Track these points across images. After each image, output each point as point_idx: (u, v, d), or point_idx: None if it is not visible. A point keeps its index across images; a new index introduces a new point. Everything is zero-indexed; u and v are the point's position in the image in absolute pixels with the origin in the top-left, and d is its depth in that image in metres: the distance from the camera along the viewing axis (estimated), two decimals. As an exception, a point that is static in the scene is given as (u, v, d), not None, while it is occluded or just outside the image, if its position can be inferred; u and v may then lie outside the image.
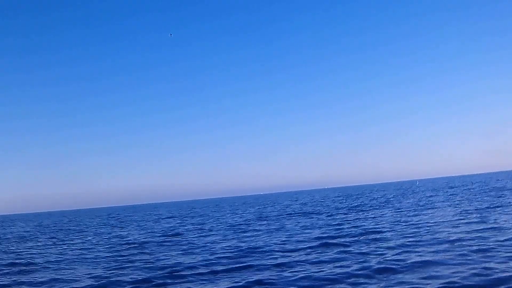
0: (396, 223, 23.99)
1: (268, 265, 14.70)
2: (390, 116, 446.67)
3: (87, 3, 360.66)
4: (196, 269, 15.10)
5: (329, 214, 36.45)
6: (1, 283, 15.24)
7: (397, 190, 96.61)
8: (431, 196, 52.03)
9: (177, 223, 42.44)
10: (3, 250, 26.42)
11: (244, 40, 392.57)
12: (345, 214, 34.82)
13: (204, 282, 13.04)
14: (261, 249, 18.24)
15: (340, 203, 55.79)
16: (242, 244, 20.37)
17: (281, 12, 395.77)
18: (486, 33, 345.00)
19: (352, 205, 48.33)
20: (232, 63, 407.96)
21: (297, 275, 12.79)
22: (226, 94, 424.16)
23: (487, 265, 11.95)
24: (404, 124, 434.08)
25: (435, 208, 32.61)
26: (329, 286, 11.35)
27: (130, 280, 13.97)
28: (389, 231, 20.92)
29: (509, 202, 31.16)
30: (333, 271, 12.96)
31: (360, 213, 33.99)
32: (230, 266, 15.04)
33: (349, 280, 11.72)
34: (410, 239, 17.52)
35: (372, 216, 30.45)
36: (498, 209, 26.82)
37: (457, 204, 33.94)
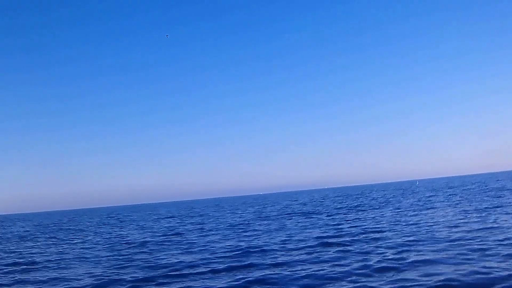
0: (395, 223, 24.03)
1: (268, 264, 14.75)
2: (389, 116, 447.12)
3: (85, 3, 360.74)
4: (196, 268, 15.14)
5: (329, 214, 36.50)
6: (3, 282, 15.28)
7: (396, 190, 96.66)
8: (431, 196, 52.08)
9: (177, 222, 42.48)
10: (4, 250, 26.45)
11: (243, 39, 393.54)
12: (345, 214, 34.86)
13: (205, 281, 13.06)
14: (261, 249, 18.27)
15: (339, 203, 55.83)
16: (243, 244, 20.41)
17: (280, 12, 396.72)
18: (486, 33, 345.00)
19: (352, 205, 48.38)
20: (231, 62, 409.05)
21: (298, 274, 12.83)
22: (225, 94, 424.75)
23: (486, 264, 12.01)
24: (403, 124, 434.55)
25: (435, 208, 32.65)
26: (330, 285, 11.39)
27: (131, 279, 14.01)
28: (389, 230, 20.97)
29: (508, 202, 31.20)
30: (334, 270, 13.00)
31: (360, 213, 34.03)
32: (231, 265, 15.07)
33: (349, 279, 11.77)
34: (410, 239, 17.57)
35: (372, 216, 30.49)
36: (497, 209, 26.86)
37: (457, 204, 33.99)
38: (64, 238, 33.35)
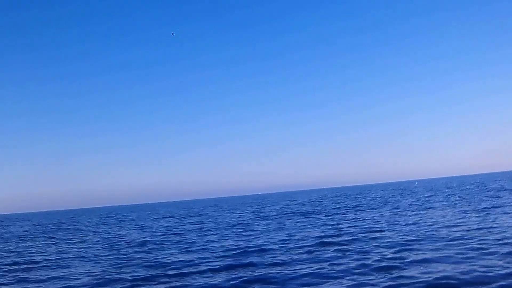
0: (394, 223, 24.09)
1: (268, 263, 14.79)
2: (388, 116, 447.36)
3: (86, 1, 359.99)
4: (196, 267, 15.18)
5: (327, 214, 36.55)
6: (4, 281, 15.32)
7: (395, 190, 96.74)
8: (430, 196, 52.17)
9: (176, 222, 42.50)
10: (4, 250, 26.46)
11: (242, 39, 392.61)
12: (343, 214, 34.91)
13: (204, 279, 13.11)
14: (260, 248, 18.32)
15: (338, 203, 55.89)
16: (242, 243, 20.45)
17: (280, 11, 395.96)
18: (485, 32, 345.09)
19: (351, 205, 48.43)
20: (229, 62, 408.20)
21: (297, 273, 12.88)
22: (224, 93, 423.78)
23: (485, 262, 12.09)
24: (402, 124, 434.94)
25: (434, 208, 32.73)
26: (330, 284, 11.45)
27: (130, 278, 14.05)
28: (388, 230, 21.03)
29: (506, 202, 31.28)
30: (333, 269, 13.06)
31: (359, 213, 34.09)
32: (230, 264, 15.13)
33: (349, 278, 11.82)
34: (409, 238, 17.64)
35: (371, 216, 30.55)
36: (496, 209, 26.96)
37: (455, 204, 34.08)
38: (63, 237, 33.36)
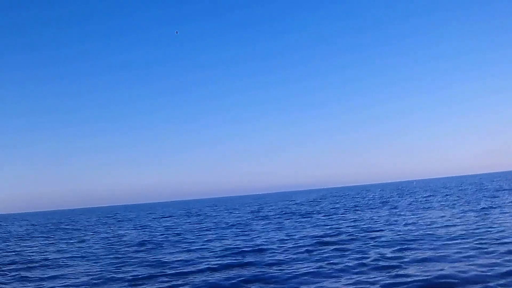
0: (393, 222, 24.15)
1: (266, 262, 14.83)
2: (387, 117, 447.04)
3: (87, 1, 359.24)
4: (195, 266, 15.21)
5: (326, 214, 36.58)
6: (3, 280, 15.36)
7: (394, 190, 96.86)
8: (428, 196, 52.25)
9: (175, 222, 42.52)
10: (3, 249, 26.47)
11: (242, 39, 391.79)
12: (342, 214, 34.95)
13: (203, 278, 13.14)
14: (259, 248, 18.36)
15: (337, 203, 55.94)
16: (241, 243, 20.49)
17: (280, 12, 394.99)
18: (485, 32, 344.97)
19: (350, 205, 48.48)
20: (228, 62, 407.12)
21: (296, 272, 12.92)
22: (223, 93, 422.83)
23: (484, 261, 12.14)
24: (400, 125, 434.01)
25: (432, 208, 32.80)
26: (328, 282, 11.49)
27: (129, 277, 14.08)
28: (386, 230, 21.08)
29: (504, 203, 31.36)
30: (332, 268, 13.11)
31: (357, 213, 34.14)
32: (229, 263, 15.17)
33: (347, 277, 11.87)
34: (408, 238, 17.69)
35: (369, 215, 30.60)
36: (494, 209, 27.02)
37: (454, 204, 34.15)
38: (62, 237, 33.36)
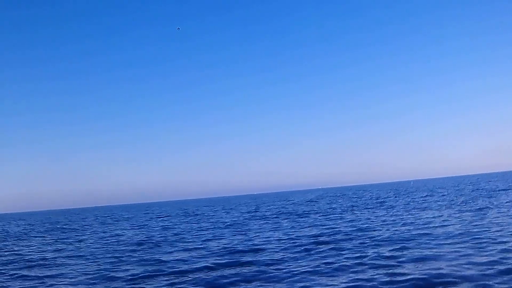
0: (390, 222, 24.24)
1: (265, 261, 14.88)
2: (384, 116, 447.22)
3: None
4: (193, 265, 15.24)
5: (324, 213, 36.63)
6: (1, 279, 15.37)
7: (391, 190, 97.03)
8: (425, 196, 52.37)
9: (172, 222, 42.50)
10: (1, 249, 26.45)
11: (239, 37, 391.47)
12: (340, 213, 35.00)
13: (202, 277, 13.17)
14: (257, 247, 18.40)
15: (334, 203, 56.00)
16: (239, 242, 20.53)
17: (279, 11, 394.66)
18: (485, 31, 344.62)
19: (347, 205, 48.55)
20: (227, 61, 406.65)
21: (294, 271, 12.98)
22: (221, 92, 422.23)
23: (480, 260, 12.22)
24: (398, 125, 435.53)
25: (429, 208, 32.91)
26: (326, 280, 11.53)
27: (127, 276, 14.11)
28: (384, 229, 21.16)
29: (501, 203, 31.50)
30: (329, 266, 13.17)
31: (355, 213, 34.21)
32: (227, 262, 15.21)
33: (345, 275, 11.93)
34: (405, 237, 17.77)
35: (367, 215, 30.68)
36: (491, 209, 27.15)
37: (450, 204, 34.25)
38: (59, 237, 33.33)
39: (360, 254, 14.74)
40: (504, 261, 11.85)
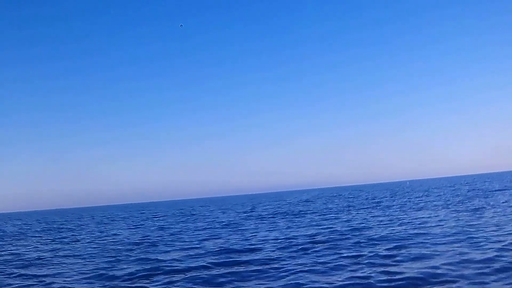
0: (387, 222, 24.33)
1: (261, 260, 14.93)
2: (381, 116, 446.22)
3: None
4: (189, 264, 15.27)
5: (320, 213, 36.71)
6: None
7: (387, 190, 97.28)
8: (422, 196, 52.59)
9: (168, 222, 42.50)
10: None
11: (237, 37, 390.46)
12: (336, 213, 35.09)
13: (198, 276, 13.20)
14: (254, 246, 18.46)
15: (331, 203, 56.12)
16: (235, 242, 20.58)
17: (278, 10, 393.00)
18: (485, 31, 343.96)
19: (343, 205, 48.67)
20: (225, 60, 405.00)
21: (291, 269, 13.03)
22: (216, 91, 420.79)
23: (477, 258, 12.30)
24: (394, 125, 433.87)
25: (425, 207, 33.04)
26: (322, 278, 11.58)
27: (124, 275, 14.13)
28: (380, 229, 21.25)
29: (498, 203, 31.67)
30: (326, 265, 13.22)
31: (351, 213, 34.31)
32: (224, 262, 15.26)
33: (342, 274, 11.98)
34: (402, 236, 17.86)
35: (364, 215, 30.78)
36: (486, 208, 27.31)
37: (447, 204, 34.40)
38: (56, 236, 33.29)
39: (356, 253, 14.80)
40: (500, 259, 11.95)
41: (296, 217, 33.78)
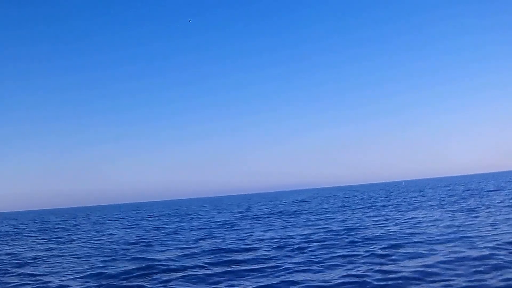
0: (382, 221, 24.41)
1: (257, 259, 14.99)
2: (376, 117, 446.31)
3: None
4: (185, 263, 15.29)
5: (316, 213, 36.78)
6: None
7: (382, 190, 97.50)
8: (416, 196, 52.75)
9: (164, 222, 42.46)
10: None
11: (237, 36, 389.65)
12: (332, 213, 35.17)
13: (194, 275, 13.22)
14: (250, 246, 18.51)
15: (326, 203, 56.20)
16: (231, 242, 20.61)
17: (277, 10, 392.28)
18: (485, 30, 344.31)
19: (339, 205, 48.77)
20: (222, 59, 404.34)
21: (287, 268, 13.07)
22: (213, 90, 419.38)
23: (474, 255, 12.38)
24: (389, 125, 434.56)
25: (421, 207, 33.18)
26: (319, 277, 11.63)
27: (117, 274, 14.16)
28: (376, 228, 21.32)
29: (493, 203, 31.83)
30: (322, 264, 13.29)
31: (347, 212, 34.39)
32: (220, 261, 15.29)
33: (339, 273, 12.03)
34: (397, 236, 17.93)
35: (359, 215, 30.87)
36: (481, 208, 27.46)
37: (442, 204, 34.55)
38: (51, 236, 33.20)
39: (352, 253, 14.87)
40: (495, 257, 12.03)
41: (292, 217, 33.83)
